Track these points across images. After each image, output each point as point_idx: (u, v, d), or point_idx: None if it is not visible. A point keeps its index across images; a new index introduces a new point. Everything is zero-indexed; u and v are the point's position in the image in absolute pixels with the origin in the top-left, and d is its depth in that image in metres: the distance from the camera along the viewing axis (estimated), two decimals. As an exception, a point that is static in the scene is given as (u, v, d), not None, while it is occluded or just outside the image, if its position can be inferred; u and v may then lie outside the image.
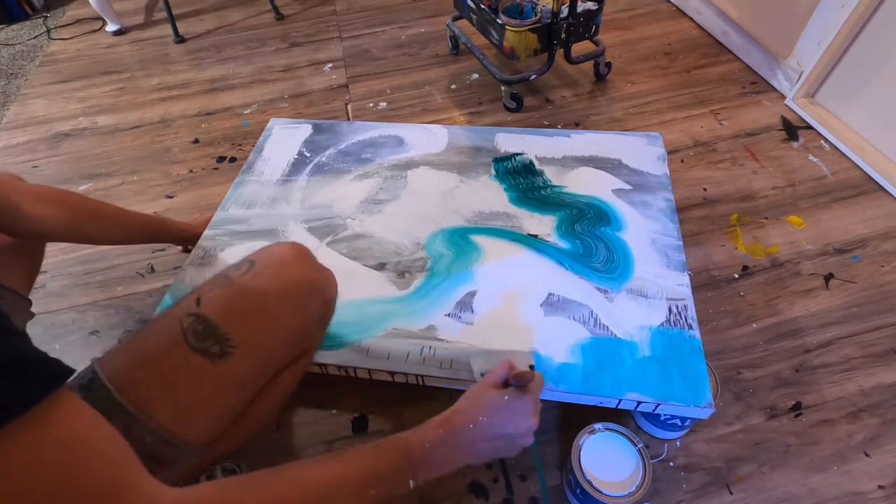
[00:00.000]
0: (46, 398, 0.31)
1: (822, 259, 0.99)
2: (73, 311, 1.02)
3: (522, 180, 0.98)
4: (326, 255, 0.87)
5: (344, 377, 0.76)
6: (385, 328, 0.77)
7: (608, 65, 1.43)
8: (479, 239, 0.88)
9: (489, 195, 0.96)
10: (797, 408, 0.81)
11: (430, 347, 0.74)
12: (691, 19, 1.63)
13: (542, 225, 0.89)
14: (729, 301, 0.94)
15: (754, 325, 0.90)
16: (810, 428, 0.79)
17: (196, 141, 1.38)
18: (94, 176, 1.31)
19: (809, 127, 1.25)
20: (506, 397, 0.58)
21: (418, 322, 0.77)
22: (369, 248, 0.88)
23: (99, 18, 1.88)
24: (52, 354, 0.34)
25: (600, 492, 0.64)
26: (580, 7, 1.24)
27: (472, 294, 0.80)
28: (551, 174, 0.98)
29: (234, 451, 0.59)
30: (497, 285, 0.81)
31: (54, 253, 1.10)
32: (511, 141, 1.06)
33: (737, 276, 0.98)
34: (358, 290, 0.82)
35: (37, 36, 1.90)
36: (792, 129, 1.26)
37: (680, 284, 0.79)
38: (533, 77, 1.33)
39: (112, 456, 0.35)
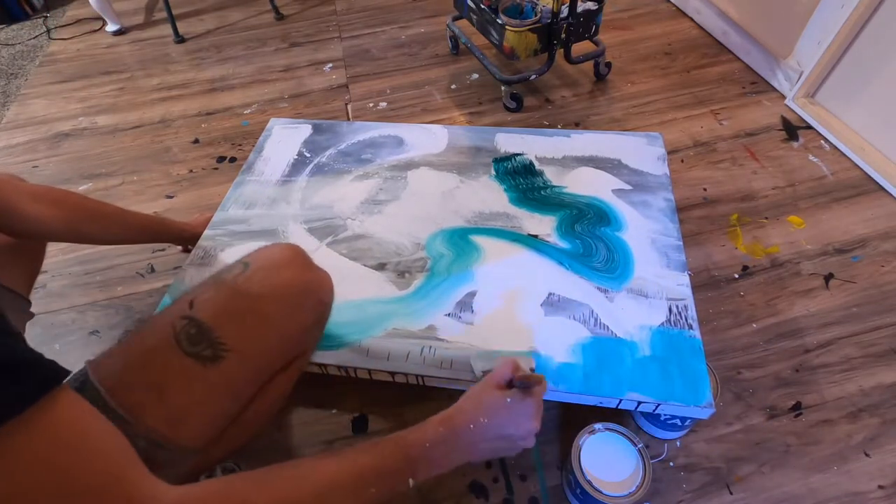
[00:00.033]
0: (43, 399, 0.31)
1: (822, 259, 0.99)
2: (73, 311, 1.02)
3: (522, 180, 0.98)
4: (326, 256, 0.87)
5: (344, 377, 0.76)
6: (385, 328, 0.77)
7: (608, 65, 1.43)
8: (479, 239, 0.88)
9: (489, 195, 0.96)
10: (797, 408, 0.81)
11: (430, 347, 0.74)
12: (691, 19, 1.63)
13: (542, 225, 0.89)
14: (729, 301, 0.94)
15: (754, 325, 0.90)
16: (810, 428, 0.79)
17: (196, 141, 1.38)
18: (94, 176, 1.31)
19: (809, 127, 1.25)
20: (508, 399, 0.57)
21: (418, 322, 0.77)
22: (369, 248, 0.88)
23: (99, 18, 1.88)
24: (52, 354, 0.34)
25: (600, 492, 0.64)
26: (580, 7, 1.24)
27: (472, 294, 0.80)
28: (551, 174, 0.98)
29: (231, 454, 0.59)
30: (497, 285, 0.81)
31: (54, 253, 1.10)
32: (511, 141, 1.06)
33: (737, 276, 0.98)
34: (358, 291, 0.82)
35: (37, 36, 1.90)
36: (792, 129, 1.26)
37: (680, 284, 0.79)
38: (533, 77, 1.33)
39: (113, 455, 0.35)
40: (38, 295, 1.04)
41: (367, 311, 0.79)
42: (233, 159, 1.31)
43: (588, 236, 0.87)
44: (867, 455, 0.76)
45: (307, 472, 0.46)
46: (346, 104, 1.45)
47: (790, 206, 1.09)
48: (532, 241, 0.87)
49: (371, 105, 1.44)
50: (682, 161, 1.20)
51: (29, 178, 0.73)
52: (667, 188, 0.94)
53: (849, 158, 1.17)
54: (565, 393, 0.69)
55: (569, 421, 0.80)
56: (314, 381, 0.79)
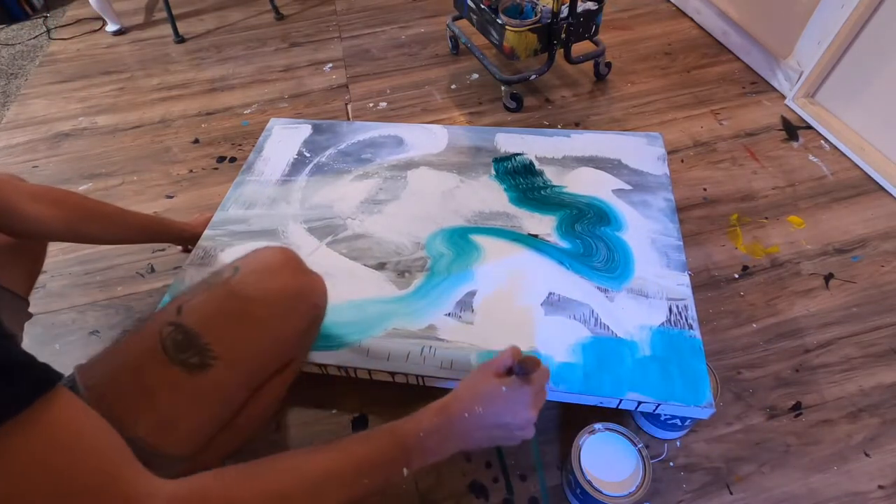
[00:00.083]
0: (39, 400, 0.31)
1: (822, 259, 0.99)
2: (73, 311, 1.02)
3: (522, 180, 0.98)
4: (326, 256, 0.87)
5: (344, 377, 0.76)
6: (385, 328, 0.77)
7: (608, 65, 1.43)
8: (479, 239, 0.88)
9: (489, 195, 0.96)
10: (797, 408, 0.81)
11: (430, 347, 0.74)
12: (691, 19, 1.63)
13: (543, 225, 0.89)
14: (729, 301, 0.94)
15: (754, 325, 0.90)
16: (810, 428, 0.79)
17: (196, 141, 1.38)
18: (94, 176, 1.31)
19: (809, 127, 1.25)
20: (504, 388, 0.56)
21: (418, 322, 0.77)
22: (369, 248, 0.88)
23: (99, 18, 1.88)
24: (52, 354, 0.34)
25: (600, 492, 0.64)
26: (580, 7, 1.24)
27: (472, 294, 0.80)
28: (551, 174, 0.98)
29: (222, 461, 0.58)
30: (497, 285, 0.81)
31: (54, 253, 1.10)
32: (511, 141, 1.06)
33: (737, 276, 0.98)
34: (358, 290, 0.82)
35: (37, 36, 1.90)
36: (792, 129, 1.26)
37: (680, 284, 0.79)
38: (533, 77, 1.33)
39: (109, 453, 0.35)
40: (38, 295, 1.04)
41: (367, 310, 0.79)
42: (233, 159, 1.31)
43: (588, 236, 0.87)
44: (867, 455, 0.76)
45: (301, 463, 0.46)
46: (346, 104, 1.45)
47: (790, 206, 1.09)
48: (532, 241, 0.87)
49: (371, 105, 1.44)
50: (682, 161, 1.20)
51: (29, 178, 0.73)
52: (667, 188, 0.94)
53: (849, 158, 1.17)
54: (565, 393, 0.69)
55: (569, 421, 0.80)
56: (314, 381, 0.79)
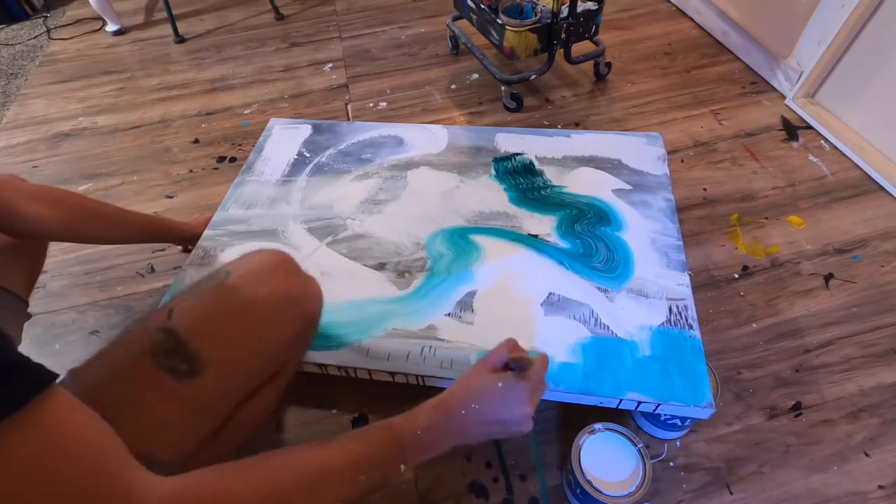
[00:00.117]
0: (34, 399, 0.31)
1: (822, 259, 0.99)
2: (73, 311, 1.02)
3: (522, 180, 0.98)
4: (326, 256, 0.87)
5: (344, 377, 0.76)
6: (385, 328, 0.77)
7: (608, 65, 1.43)
8: (479, 239, 0.88)
9: (489, 195, 0.96)
10: (797, 408, 0.81)
11: (430, 347, 0.74)
12: (691, 19, 1.63)
13: (542, 225, 0.89)
14: (729, 301, 0.94)
15: (754, 325, 0.90)
16: (810, 428, 0.79)
17: (196, 141, 1.38)
18: (94, 176, 1.31)
19: (809, 127, 1.25)
20: (500, 384, 0.56)
21: (418, 322, 0.77)
22: (369, 248, 0.88)
23: (99, 18, 1.88)
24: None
25: (600, 492, 0.64)
26: (580, 7, 1.24)
27: (472, 294, 0.80)
28: (551, 174, 0.98)
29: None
30: (497, 285, 0.81)
31: (54, 253, 1.10)
32: (511, 141, 1.06)
33: (737, 276, 0.98)
34: (358, 290, 0.82)
35: (37, 36, 1.90)
36: (792, 129, 1.26)
37: (680, 284, 0.79)
38: (533, 77, 1.33)
39: (105, 452, 0.35)
40: (38, 295, 1.04)
41: (367, 311, 0.79)
42: (233, 159, 1.31)
43: (588, 236, 0.87)
44: (867, 455, 0.76)
45: (297, 460, 0.46)
46: (346, 104, 1.45)
47: (790, 206, 1.09)
48: (532, 241, 0.87)
49: (371, 105, 1.44)
50: (682, 161, 1.20)
51: (29, 178, 0.73)
52: (667, 188, 0.94)
53: (849, 158, 1.17)
54: (565, 393, 0.69)
55: (569, 421, 0.80)
56: (314, 381, 0.79)
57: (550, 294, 0.79)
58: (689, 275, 0.81)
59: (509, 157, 1.03)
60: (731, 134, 1.26)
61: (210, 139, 1.38)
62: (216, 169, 1.29)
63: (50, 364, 0.33)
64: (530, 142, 1.05)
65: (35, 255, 0.80)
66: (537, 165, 1.00)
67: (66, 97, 1.58)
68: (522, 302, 0.79)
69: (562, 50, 1.30)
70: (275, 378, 0.60)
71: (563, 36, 1.26)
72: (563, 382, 0.69)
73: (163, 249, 1.11)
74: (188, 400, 0.50)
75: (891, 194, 1.09)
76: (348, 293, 0.81)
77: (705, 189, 1.14)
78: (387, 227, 0.91)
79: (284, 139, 1.11)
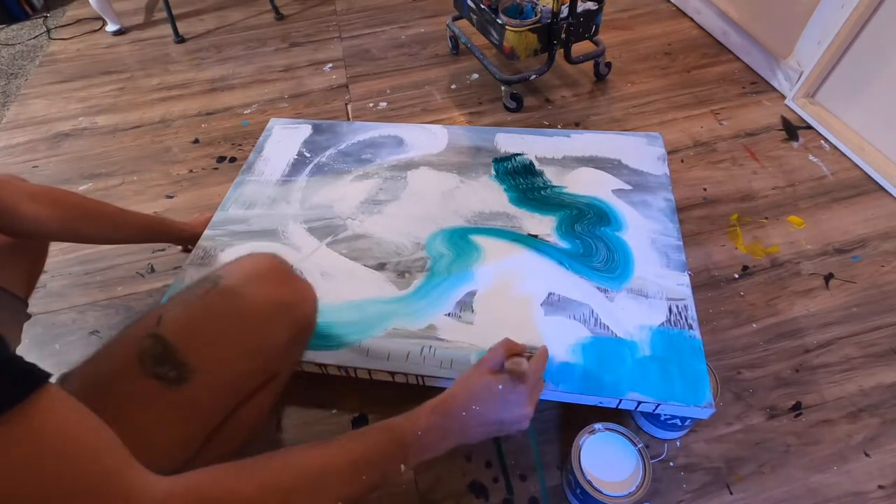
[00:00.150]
0: (25, 400, 0.31)
1: (822, 259, 0.99)
2: (73, 311, 1.02)
3: (522, 180, 0.98)
4: (326, 256, 0.87)
5: (344, 377, 0.76)
6: (385, 328, 0.77)
7: (608, 65, 1.43)
8: (479, 239, 0.88)
9: (489, 195, 0.96)
10: (797, 408, 0.81)
11: (430, 347, 0.74)
12: (691, 19, 1.63)
13: (542, 225, 0.89)
14: (729, 301, 0.94)
15: (754, 325, 0.90)
16: (810, 428, 0.79)
17: (196, 141, 1.38)
18: (94, 176, 1.31)
19: (809, 127, 1.25)
20: (500, 386, 0.57)
21: (418, 322, 0.77)
22: (369, 248, 0.88)
23: (99, 18, 1.88)
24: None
25: (600, 492, 0.64)
26: (580, 7, 1.24)
27: (472, 294, 0.80)
28: (551, 174, 0.98)
29: None
30: (497, 285, 0.81)
31: (54, 253, 1.10)
32: (511, 141, 1.06)
33: (737, 276, 0.98)
34: (358, 291, 0.82)
35: (37, 36, 1.90)
36: (792, 129, 1.26)
37: (680, 284, 0.79)
38: (533, 77, 1.32)
39: (103, 450, 0.35)
40: (38, 295, 1.03)
41: (367, 311, 0.79)
42: (233, 159, 1.31)
43: (588, 236, 0.87)
44: (867, 455, 0.76)
45: (297, 460, 0.46)
46: (346, 104, 1.45)
47: (790, 206, 1.09)
48: (532, 241, 0.87)
49: (371, 105, 1.44)
50: (682, 161, 1.20)
51: (29, 178, 0.73)
52: (667, 188, 0.94)
53: (849, 158, 1.17)
54: (565, 393, 0.69)
55: (569, 421, 0.80)
56: (314, 381, 0.79)
57: (550, 294, 0.79)
58: (689, 275, 0.81)
59: (509, 157, 1.03)
60: (731, 134, 1.26)
61: (210, 139, 1.38)
62: (216, 169, 1.29)
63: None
64: (530, 142, 1.05)
65: (36, 256, 0.80)
66: (537, 166, 1.00)
67: (66, 97, 1.58)
68: (522, 302, 0.79)
69: (562, 50, 1.30)
70: (269, 383, 0.60)
71: (563, 36, 1.26)
72: (563, 382, 0.69)
73: (163, 249, 1.11)
74: (178, 407, 0.49)
75: (891, 194, 1.09)
76: (348, 293, 0.81)
77: (705, 189, 1.14)
78: (387, 227, 0.91)
79: (284, 139, 1.11)
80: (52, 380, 0.33)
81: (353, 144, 1.09)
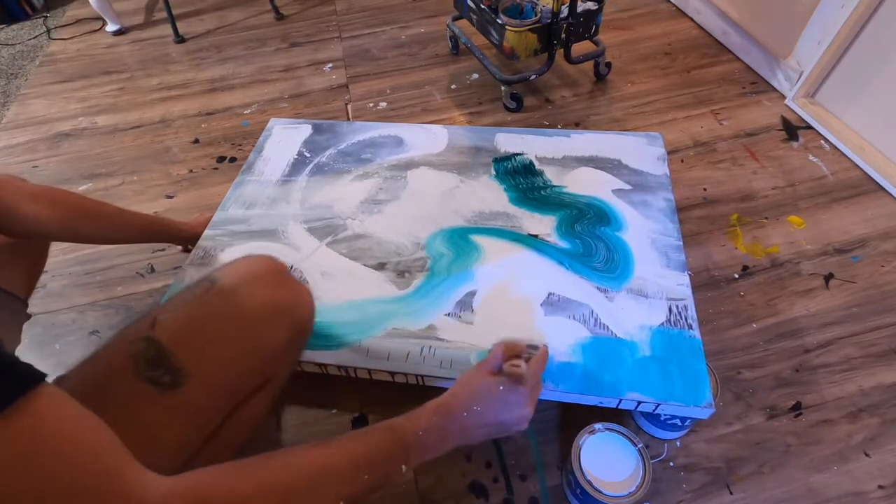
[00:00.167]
0: (19, 400, 0.30)
1: (822, 259, 0.99)
2: (73, 311, 1.02)
3: (522, 180, 0.98)
4: (326, 256, 0.87)
5: (344, 377, 0.76)
6: (385, 328, 0.77)
7: (608, 65, 1.43)
8: (479, 239, 0.88)
9: (489, 195, 0.96)
10: (797, 408, 0.81)
11: (430, 347, 0.74)
12: (691, 19, 1.63)
13: (542, 225, 0.89)
14: (729, 301, 0.94)
15: (754, 325, 0.90)
16: (810, 428, 0.79)
17: (196, 141, 1.38)
18: (94, 176, 1.31)
19: (809, 127, 1.25)
20: (501, 387, 0.58)
21: (418, 322, 0.77)
22: (369, 248, 0.88)
23: (99, 18, 1.88)
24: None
25: (600, 492, 0.64)
26: (580, 7, 1.24)
27: (472, 294, 0.80)
28: (551, 174, 0.98)
29: None
30: (497, 285, 0.81)
31: (54, 253, 1.10)
32: (511, 141, 1.06)
33: (737, 276, 0.98)
34: (358, 290, 0.82)
35: (37, 36, 1.90)
36: (792, 129, 1.26)
37: (680, 284, 0.79)
38: (533, 77, 1.32)
39: (101, 450, 0.35)
40: (38, 295, 1.03)
41: (367, 310, 0.79)
42: (233, 159, 1.31)
43: (588, 236, 0.87)
44: (867, 455, 0.76)
45: (297, 460, 0.46)
46: (346, 104, 1.45)
47: (790, 206, 1.09)
48: (532, 241, 0.87)
49: (371, 105, 1.44)
50: (682, 161, 1.20)
51: (29, 178, 0.73)
52: (667, 188, 0.94)
53: (849, 158, 1.17)
54: (565, 393, 0.69)
55: (569, 421, 0.80)
56: (314, 381, 0.79)
57: (550, 294, 0.79)
58: (689, 275, 0.81)
59: (509, 157, 1.03)
60: (731, 134, 1.26)
61: (210, 139, 1.38)
62: (216, 169, 1.29)
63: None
64: (530, 142, 1.05)
65: (36, 256, 0.80)
66: (537, 165, 1.00)
67: (66, 97, 1.58)
68: (522, 302, 0.79)
69: (562, 50, 1.30)
70: (266, 385, 0.59)
71: (563, 36, 1.26)
72: (563, 382, 0.69)
73: (163, 249, 1.11)
74: (172, 412, 0.49)
75: (891, 194, 1.09)
76: (348, 293, 0.81)
77: (705, 189, 1.14)
78: (387, 227, 0.91)
79: (284, 139, 1.11)
80: (48, 381, 0.33)
81: (353, 144, 1.09)
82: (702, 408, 0.66)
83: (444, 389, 0.73)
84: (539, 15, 1.23)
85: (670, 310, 0.76)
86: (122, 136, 1.42)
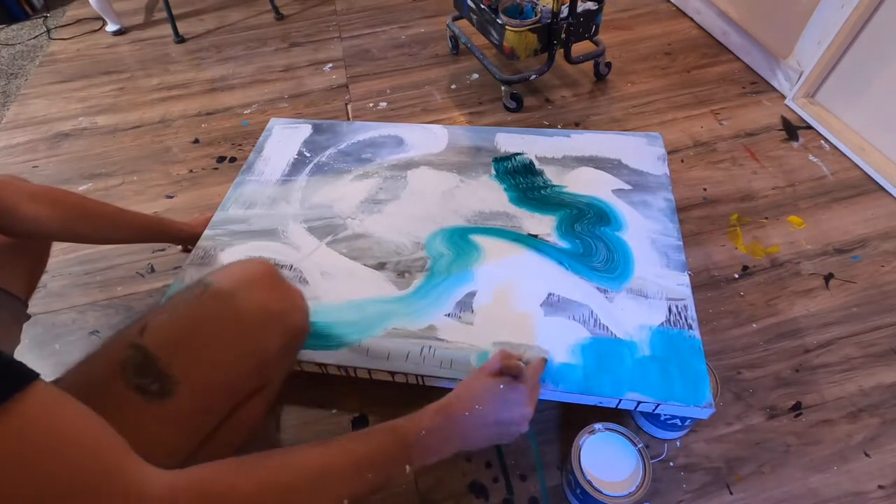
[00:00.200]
0: (11, 399, 0.30)
1: (822, 259, 0.99)
2: (73, 311, 1.02)
3: (522, 180, 0.98)
4: (326, 255, 0.87)
5: (344, 377, 0.76)
6: (385, 328, 0.77)
7: (608, 65, 1.43)
8: (479, 239, 0.88)
9: (489, 195, 0.96)
10: (797, 408, 0.81)
11: (430, 347, 0.74)
12: (691, 19, 1.63)
13: (542, 225, 0.89)
14: (729, 301, 0.94)
15: (754, 325, 0.90)
16: (810, 428, 0.79)
17: (196, 141, 1.38)
18: (94, 176, 1.31)
19: (809, 127, 1.25)
20: (501, 386, 0.59)
21: (418, 322, 0.77)
22: (369, 247, 0.88)
23: (99, 18, 1.88)
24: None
25: (600, 492, 0.64)
26: (580, 7, 1.24)
27: (472, 294, 0.80)
28: (551, 174, 0.98)
29: None
30: (497, 285, 0.81)
31: (55, 253, 1.10)
32: (511, 141, 1.06)
33: (737, 276, 0.98)
34: (358, 290, 0.82)
35: (37, 36, 1.90)
36: (792, 129, 1.26)
37: (680, 284, 0.79)
38: (533, 77, 1.32)
39: (100, 449, 0.34)
40: (38, 295, 1.03)
41: (367, 310, 0.79)
42: (233, 159, 1.31)
43: (588, 236, 0.87)
44: (867, 455, 0.76)
45: (297, 459, 0.46)
46: (346, 104, 1.45)
47: (790, 206, 1.09)
48: (532, 241, 0.87)
49: (371, 105, 1.44)
50: (682, 161, 1.20)
51: (29, 178, 0.73)
52: (667, 188, 0.94)
53: (849, 158, 1.17)
54: (565, 393, 0.69)
55: (569, 421, 0.80)
56: (314, 381, 0.79)
57: (550, 294, 0.79)
58: (689, 275, 0.81)
59: (509, 156, 1.03)
60: (731, 134, 1.26)
61: (210, 139, 1.38)
62: (216, 169, 1.29)
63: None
64: (530, 142, 1.05)
65: (37, 257, 0.80)
66: (537, 165, 1.00)
67: (66, 97, 1.58)
68: (522, 302, 0.79)
69: (562, 50, 1.30)
70: (261, 391, 0.59)
71: (563, 36, 1.26)
72: (563, 382, 0.69)
73: (163, 249, 1.11)
74: (161, 421, 0.48)
75: (891, 194, 1.09)
76: (348, 293, 0.81)
77: (705, 189, 1.14)
78: (387, 226, 0.91)
79: (284, 139, 1.11)
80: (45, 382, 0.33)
81: (353, 144, 1.09)
82: (702, 408, 0.66)
83: (444, 390, 0.73)
84: (539, 15, 1.23)
85: (670, 310, 0.76)
86: (122, 136, 1.42)
